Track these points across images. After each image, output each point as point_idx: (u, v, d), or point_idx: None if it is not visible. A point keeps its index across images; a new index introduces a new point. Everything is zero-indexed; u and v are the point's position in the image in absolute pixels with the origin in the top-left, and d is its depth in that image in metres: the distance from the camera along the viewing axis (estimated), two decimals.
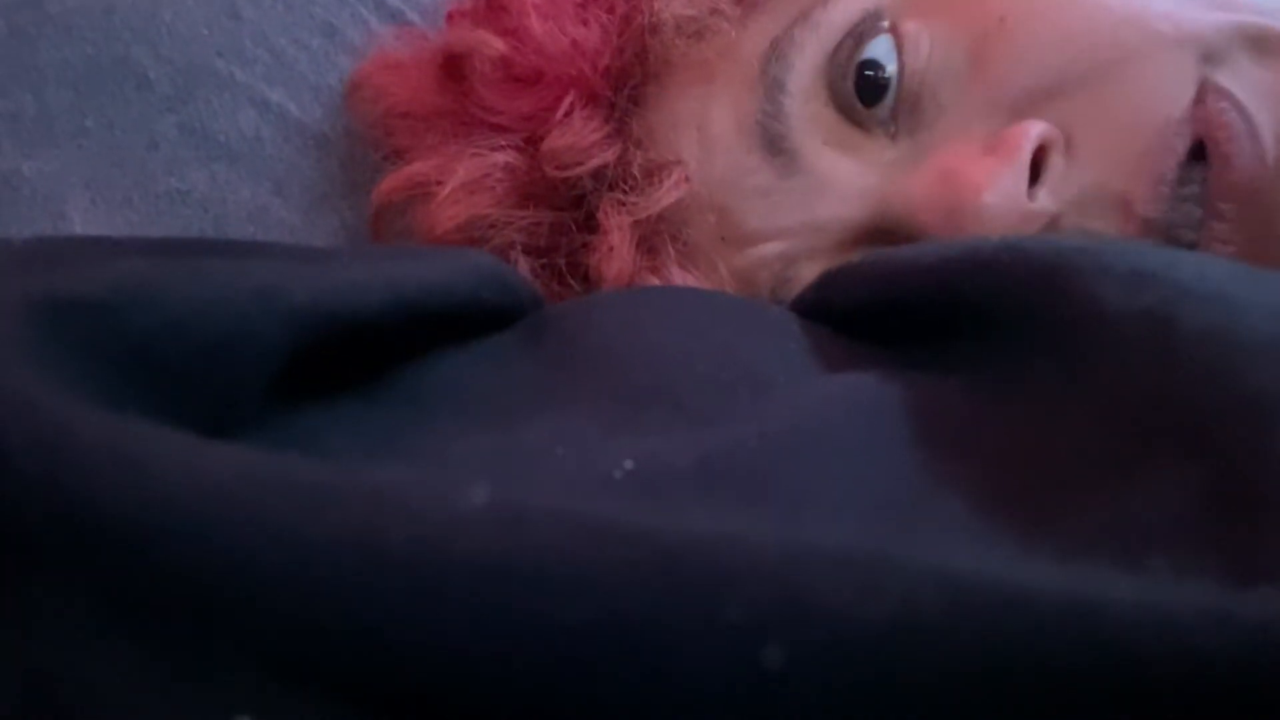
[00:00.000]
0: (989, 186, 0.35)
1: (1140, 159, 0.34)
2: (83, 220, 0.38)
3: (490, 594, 0.12)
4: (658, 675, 0.12)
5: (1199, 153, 0.34)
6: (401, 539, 0.12)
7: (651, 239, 0.42)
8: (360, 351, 0.25)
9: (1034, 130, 0.35)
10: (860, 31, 0.39)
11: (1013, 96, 0.36)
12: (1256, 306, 0.18)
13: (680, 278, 0.42)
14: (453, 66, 0.43)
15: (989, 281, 0.22)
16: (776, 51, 0.40)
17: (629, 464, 0.19)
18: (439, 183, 0.42)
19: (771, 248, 0.40)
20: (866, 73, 0.39)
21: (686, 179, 0.42)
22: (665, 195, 0.42)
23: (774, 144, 0.40)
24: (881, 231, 0.39)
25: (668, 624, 0.12)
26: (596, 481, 0.18)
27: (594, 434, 0.22)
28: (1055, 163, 0.35)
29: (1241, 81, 0.35)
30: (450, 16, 0.46)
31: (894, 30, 0.39)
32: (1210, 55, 0.35)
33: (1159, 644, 0.11)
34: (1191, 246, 0.34)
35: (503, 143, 0.43)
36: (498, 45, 0.42)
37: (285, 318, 0.21)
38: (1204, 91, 0.34)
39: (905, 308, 0.25)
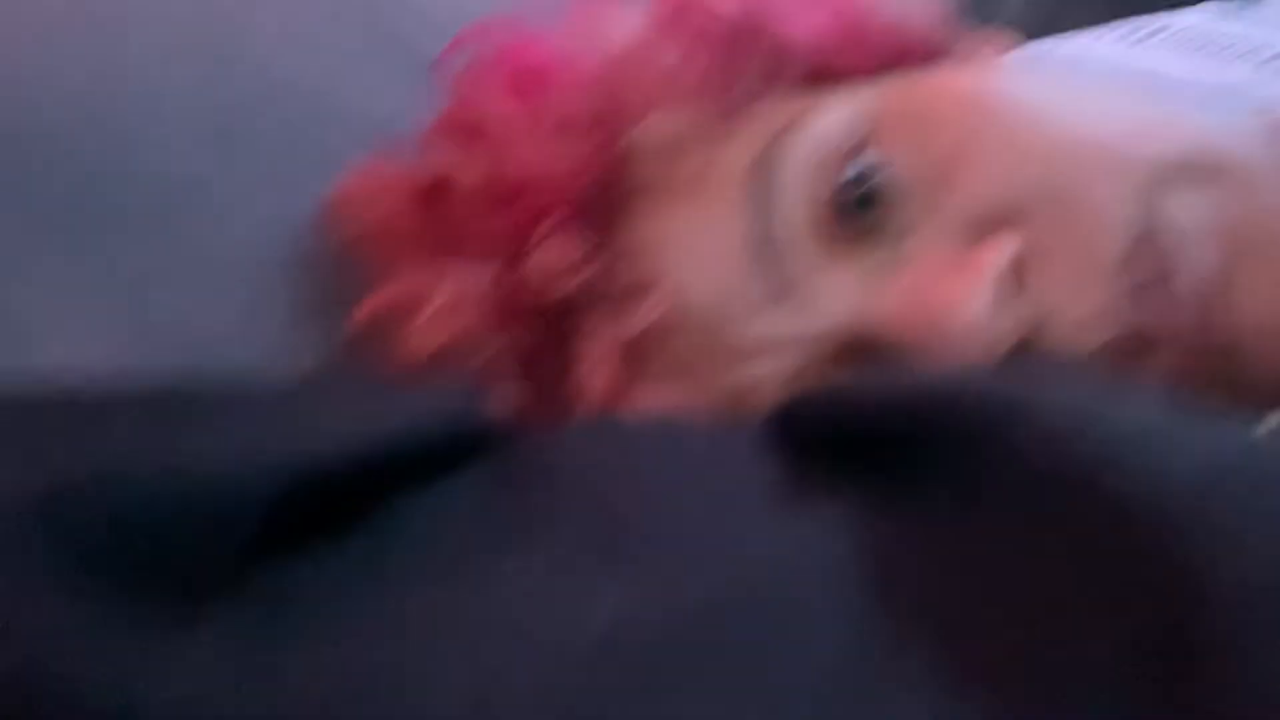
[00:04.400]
0: (960, 304, 0.37)
1: (1095, 279, 0.37)
2: (62, 348, 0.39)
3: None
4: None
5: (1148, 278, 0.37)
6: None
7: (634, 357, 0.44)
8: (329, 499, 0.26)
9: (1002, 249, 0.37)
10: (842, 148, 0.41)
11: (979, 215, 0.39)
12: (1183, 456, 0.19)
13: (664, 396, 0.44)
14: (433, 188, 0.45)
15: (945, 422, 0.24)
16: (760, 172, 0.42)
17: (603, 614, 0.20)
18: (419, 303, 0.44)
19: (759, 365, 0.42)
20: (855, 185, 0.41)
21: (669, 297, 0.43)
22: (647, 314, 0.43)
23: (767, 260, 0.42)
24: (863, 344, 0.40)
25: None
26: (569, 652, 0.19)
27: (548, 578, 0.23)
28: (1020, 282, 0.37)
29: (1183, 210, 0.37)
30: (430, 136, 0.48)
31: (871, 148, 0.41)
32: (1153, 183, 0.38)
33: None
34: (1142, 370, 0.36)
35: (484, 262, 0.44)
36: (478, 167, 0.44)
37: (257, 489, 0.22)
38: (1146, 220, 0.37)
39: (858, 440, 0.27)
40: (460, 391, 0.32)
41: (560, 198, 0.44)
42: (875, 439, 0.28)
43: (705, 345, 0.43)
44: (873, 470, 0.27)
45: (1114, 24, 0.74)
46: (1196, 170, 0.39)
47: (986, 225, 0.39)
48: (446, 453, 0.29)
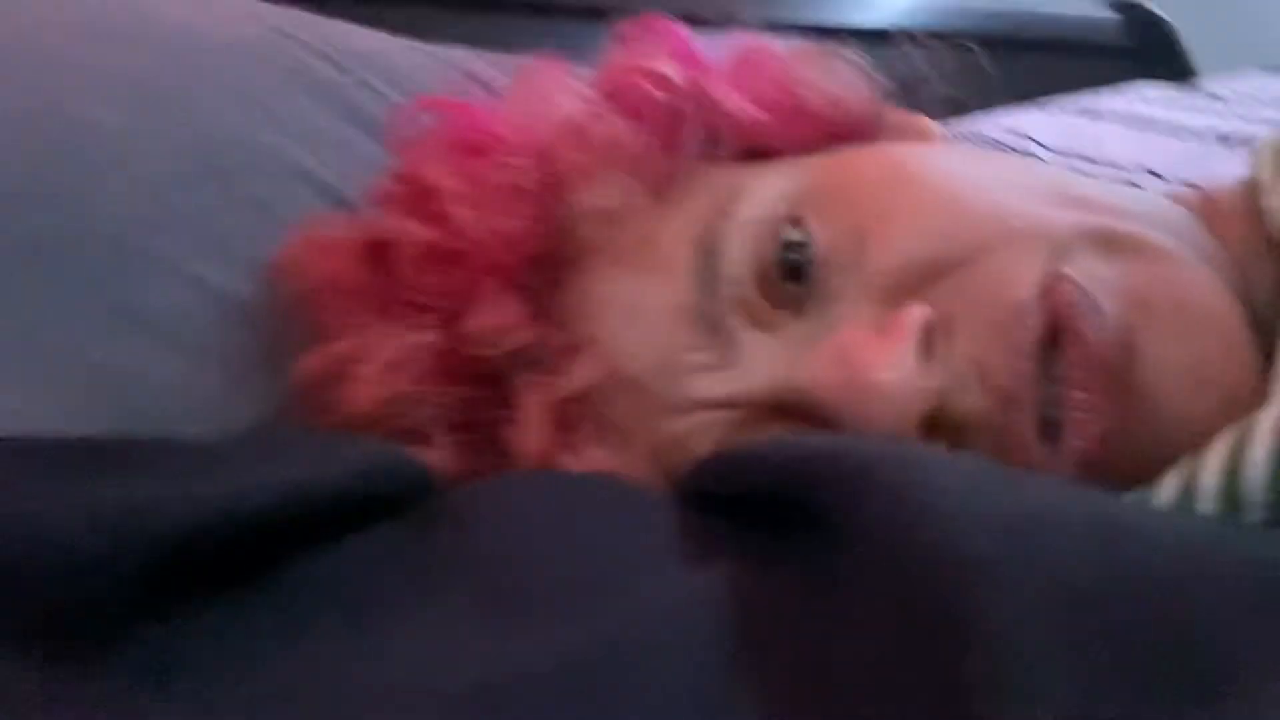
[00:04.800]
0: (880, 366, 0.38)
1: (997, 337, 0.39)
2: (3, 394, 0.40)
3: None
4: None
5: (1057, 337, 0.39)
6: None
7: (568, 417, 0.45)
8: (242, 551, 0.27)
9: (916, 315, 0.39)
10: (779, 221, 0.43)
11: (895, 281, 0.41)
12: (979, 525, 0.21)
13: (596, 456, 0.45)
14: (377, 249, 0.46)
15: (809, 486, 0.26)
16: (703, 246, 0.44)
17: (474, 672, 0.21)
18: (360, 361, 0.45)
19: (694, 419, 0.44)
20: (789, 255, 0.43)
21: (604, 359, 0.45)
22: (582, 375, 0.45)
23: (712, 327, 0.44)
24: (790, 406, 0.42)
25: None
26: (435, 702, 0.20)
27: (447, 629, 0.24)
28: (937, 341, 0.39)
29: (1088, 275, 0.39)
30: (377, 199, 0.50)
31: (800, 222, 0.43)
32: (1059, 250, 0.40)
33: None
34: (1058, 423, 0.38)
35: (424, 323, 0.46)
36: (421, 232, 0.46)
37: (150, 542, 0.23)
38: (1051, 279, 0.39)
39: (756, 497, 0.28)
40: (387, 448, 0.33)
41: (501, 261, 0.46)
42: (766, 498, 0.29)
43: (639, 406, 0.44)
44: (761, 527, 0.29)
45: (1045, 101, 0.77)
46: (1101, 240, 0.41)
47: (901, 291, 0.41)
48: (365, 506, 0.30)
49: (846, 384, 0.40)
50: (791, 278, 0.43)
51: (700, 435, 0.43)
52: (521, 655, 0.23)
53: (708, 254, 0.44)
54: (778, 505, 0.30)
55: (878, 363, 0.39)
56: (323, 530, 0.29)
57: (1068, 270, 0.39)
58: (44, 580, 0.21)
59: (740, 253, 0.44)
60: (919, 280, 0.41)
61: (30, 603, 0.21)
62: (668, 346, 0.44)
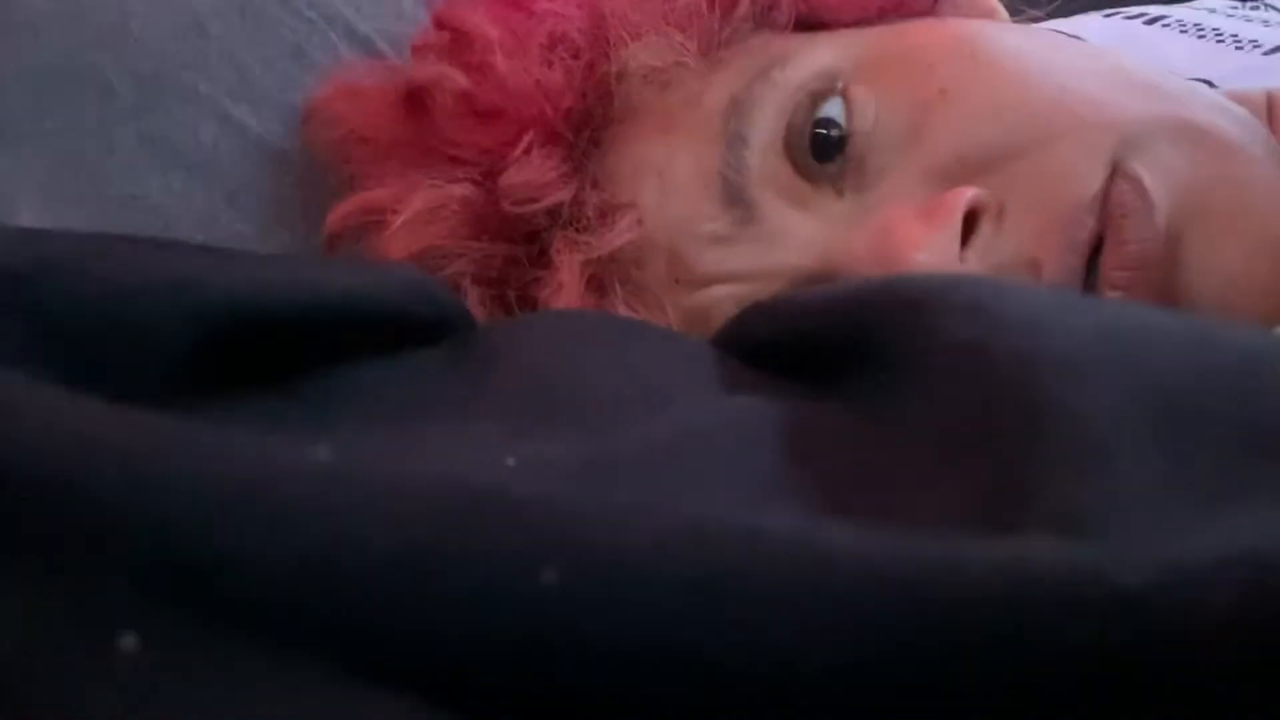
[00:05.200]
0: (922, 247, 0.37)
1: (1054, 232, 0.38)
2: (34, 219, 0.40)
3: (308, 527, 0.14)
4: (449, 594, 0.13)
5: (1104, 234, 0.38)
6: (235, 478, 0.14)
7: (601, 278, 0.44)
8: (281, 352, 0.27)
9: (966, 196, 0.38)
10: (815, 92, 0.42)
11: (948, 164, 0.40)
12: (1061, 329, 0.20)
13: (625, 316, 0.44)
14: (414, 98, 0.45)
15: (866, 317, 0.25)
16: (738, 108, 0.43)
17: (511, 461, 0.21)
18: (394, 211, 0.45)
19: (721, 290, 0.43)
20: (820, 131, 0.42)
21: (640, 222, 0.44)
22: (618, 236, 0.44)
23: (733, 195, 0.42)
24: (824, 281, 0.41)
25: (459, 550, 0.14)
26: (472, 470, 0.20)
27: (492, 438, 0.23)
28: (984, 228, 0.38)
29: (1154, 167, 0.38)
30: (415, 49, 0.49)
31: (845, 93, 0.42)
32: (1128, 141, 0.39)
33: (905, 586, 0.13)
34: None
35: (459, 175, 0.45)
36: (460, 80, 0.45)
37: (195, 310, 0.23)
38: (1115, 174, 0.38)
39: (802, 342, 0.28)
40: (428, 277, 0.32)
41: (541, 116, 0.45)
42: (810, 345, 0.29)
43: (669, 274, 0.44)
44: (805, 373, 0.28)
45: (1116, 9, 0.75)
46: (1172, 129, 0.39)
47: (957, 174, 0.40)
48: (405, 328, 0.30)
49: (884, 265, 0.39)
50: (825, 152, 0.42)
51: (720, 310, 0.42)
52: (558, 451, 0.22)
53: (738, 119, 0.43)
54: (822, 350, 0.29)
55: (919, 244, 0.38)
56: (362, 346, 0.29)
57: (1133, 165, 0.38)
58: (88, 333, 0.21)
59: (773, 120, 0.42)
60: (977, 164, 0.39)
61: (73, 354, 0.20)
62: (691, 214, 0.43)
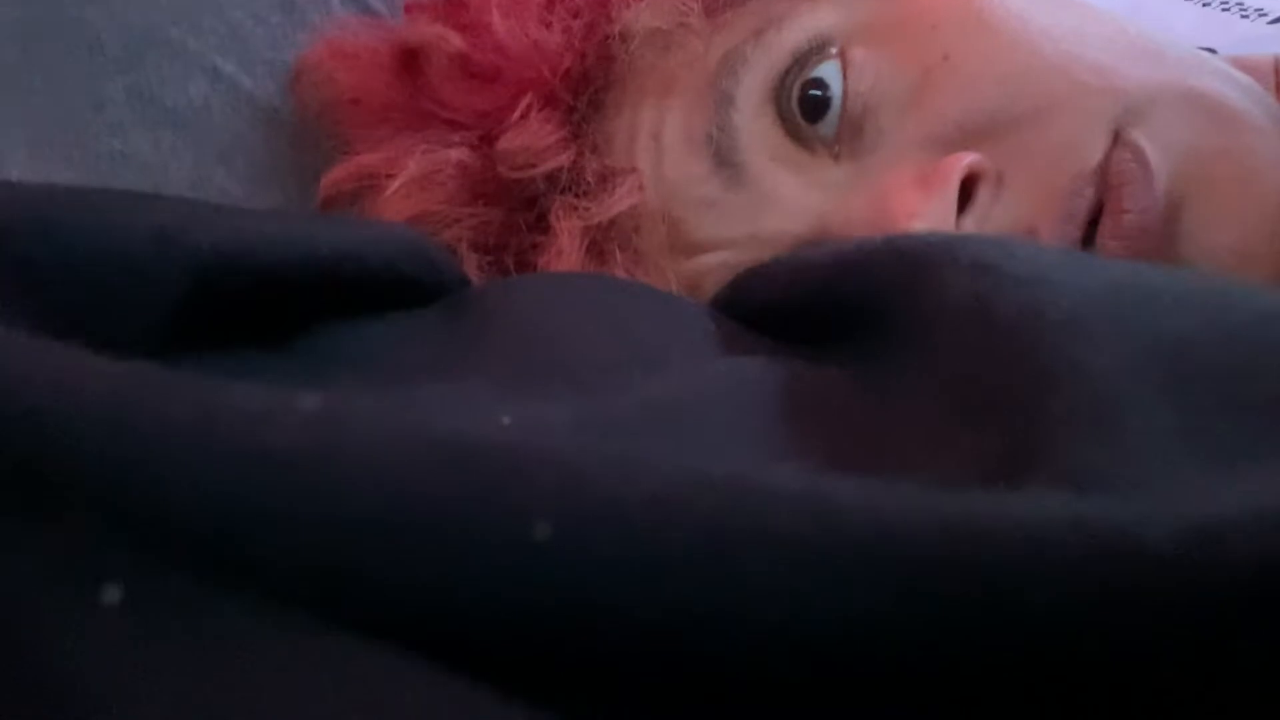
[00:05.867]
0: (918, 213, 0.37)
1: (1053, 201, 0.37)
2: (21, 175, 0.39)
3: (297, 476, 0.13)
4: (440, 547, 0.13)
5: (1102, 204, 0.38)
6: (223, 427, 0.14)
7: (601, 244, 0.44)
8: (270, 308, 0.26)
9: (964, 161, 0.37)
10: (808, 53, 0.41)
11: (949, 130, 0.39)
12: (1068, 286, 0.20)
13: None
14: (408, 59, 0.44)
15: (869, 276, 0.24)
16: (727, 67, 0.42)
17: (505, 419, 0.20)
18: (389, 176, 0.44)
19: (715, 257, 0.42)
20: (811, 92, 0.41)
21: (640, 188, 0.43)
22: (618, 202, 0.43)
23: (722, 157, 0.42)
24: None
25: (452, 502, 0.13)
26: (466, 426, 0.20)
27: (485, 396, 0.23)
28: (983, 195, 0.38)
29: (1156, 136, 0.38)
30: (409, 8, 0.48)
31: (842, 56, 0.41)
32: (1131, 109, 0.38)
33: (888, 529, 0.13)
34: None
35: (456, 139, 0.44)
36: (456, 41, 0.44)
37: (183, 260, 0.22)
38: (1117, 143, 0.38)
39: (801, 304, 0.27)
40: (423, 237, 0.32)
41: (539, 79, 0.44)
42: (807, 306, 0.28)
43: (664, 239, 0.43)
44: (806, 328, 0.28)
45: None
46: (1178, 97, 0.39)
47: (957, 141, 0.39)
48: (399, 287, 0.29)
49: (879, 231, 0.38)
50: (813, 114, 0.41)
51: (712, 278, 0.42)
52: (552, 411, 0.22)
53: (727, 79, 0.42)
54: (821, 311, 0.28)
55: (916, 210, 0.37)
56: (354, 304, 0.28)
57: (1134, 134, 0.38)
58: (71, 285, 0.20)
59: (762, 82, 0.42)
60: (978, 131, 0.39)
61: (55, 307, 0.20)
62: (681, 177, 0.42)
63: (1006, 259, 0.22)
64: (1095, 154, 0.37)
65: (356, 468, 0.13)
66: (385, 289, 0.29)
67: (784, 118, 0.41)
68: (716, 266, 0.42)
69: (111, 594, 0.15)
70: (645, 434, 0.20)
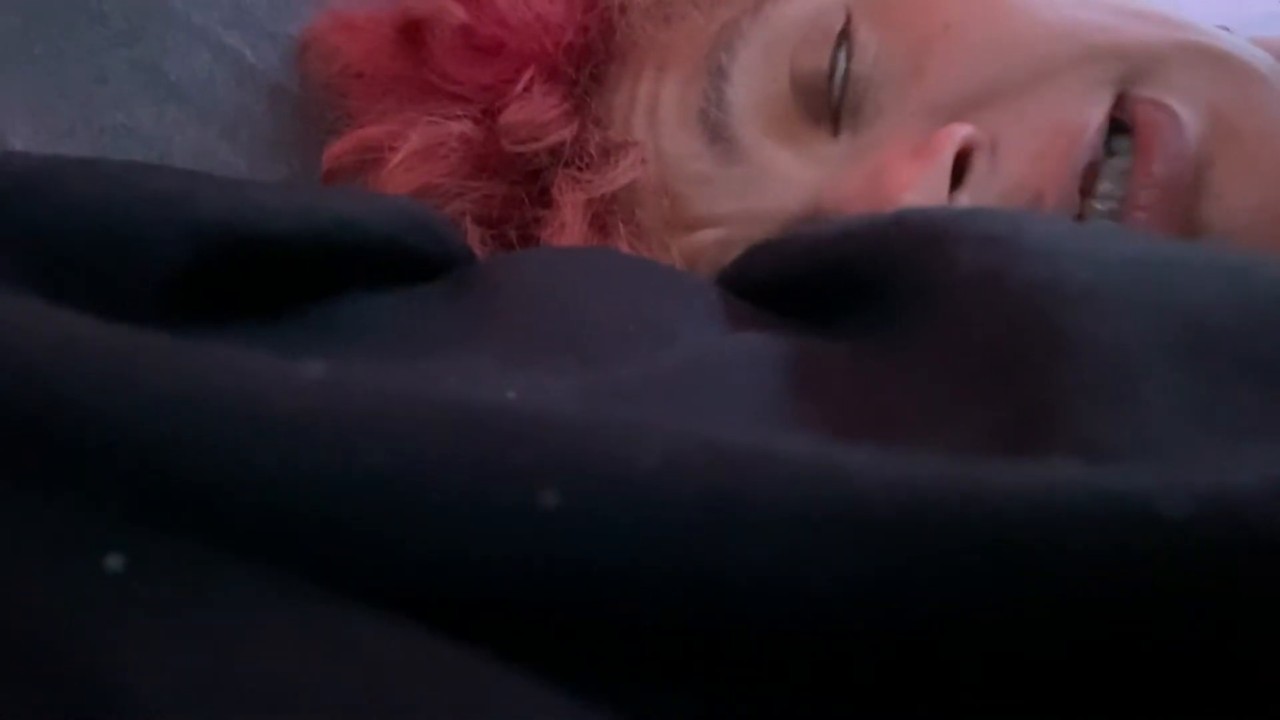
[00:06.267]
0: (911, 186, 0.36)
1: (1056, 161, 0.37)
2: (23, 147, 0.39)
3: (301, 441, 0.13)
4: (444, 514, 0.13)
5: (1121, 152, 0.37)
6: (231, 394, 0.14)
7: (604, 218, 0.43)
8: (274, 282, 0.26)
9: (957, 134, 0.37)
10: (811, 29, 0.41)
11: (947, 101, 0.38)
12: (1081, 259, 0.19)
13: None
14: (411, 31, 0.44)
15: (877, 251, 0.24)
16: (723, 40, 0.42)
17: (511, 393, 0.20)
18: (392, 149, 0.44)
19: (711, 234, 0.42)
20: (814, 67, 0.40)
21: (644, 161, 0.43)
22: (621, 175, 0.43)
23: (715, 131, 0.41)
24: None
25: (456, 468, 0.13)
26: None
27: (490, 369, 0.23)
28: (979, 165, 0.37)
29: (1176, 86, 0.37)
30: None
31: (845, 30, 0.40)
32: (1139, 68, 0.38)
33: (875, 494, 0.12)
34: None
35: (459, 112, 0.44)
36: (459, 13, 0.43)
37: (185, 227, 0.22)
38: (1127, 98, 0.37)
39: (809, 280, 0.27)
40: (419, 207, 0.32)
41: (541, 52, 0.44)
42: (814, 283, 0.28)
43: (664, 213, 0.43)
44: (813, 304, 0.27)
45: None
46: (1195, 53, 0.38)
47: (955, 111, 0.38)
48: (405, 259, 0.29)
49: (874, 206, 0.38)
50: (815, 93, 0.40)
51: (707, 256, 0.41)
52: (559, 383, 0.22)
53: (724, 53, 0.41)
54: (828, 287, 0.28)
55: (909, 183, 0.37)
56: (358, 276, 0.28)
57: (1147, 91, 0.37)
58: (73, 248, 0.20)
59: (766, 57, 0.41)
60: (977, 100, 0.38)
61: (57, 270, 0.19)
62: (676, 152, 0.42)
63: (1019, 231, 0.21)
64: (1097, 113, 0.37)
65: (360, 433, 0.13)
66: (389, 261, 0.28)
67: (782, 93, 0.41)
68: (712, 243, 0.41)
69: (115, 562, 0.15)
70: (652, 404, 0.19)
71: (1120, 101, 0.37)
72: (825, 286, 0.28)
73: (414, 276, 0.30)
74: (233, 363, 0.14)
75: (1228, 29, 0.64)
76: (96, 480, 0.15)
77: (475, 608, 0.13)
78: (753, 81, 0.41)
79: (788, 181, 0.40)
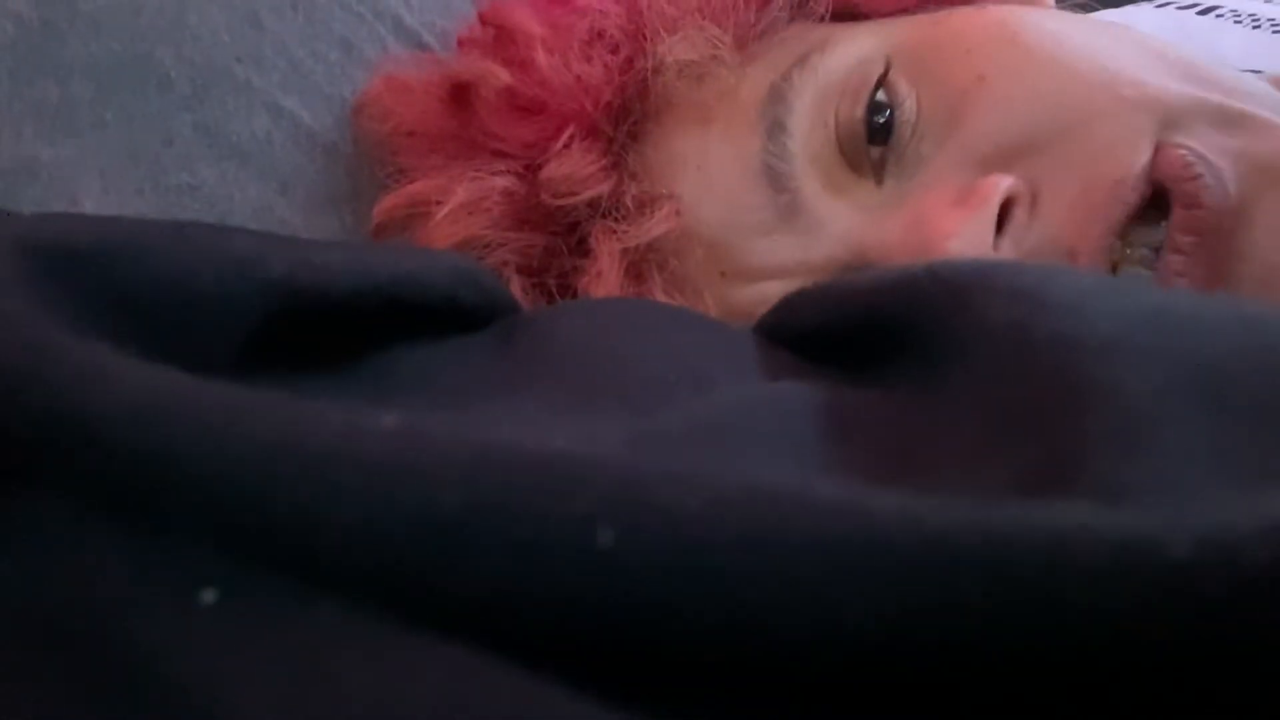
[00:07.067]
0: (956, 235, 0.38)
1: (1092, 213, 0.38)
2: (94, 207, 0.41)
3: (382, 485, 0.15)
4: (513, 552, 0.14)
5: (1159, 205, 0.38)
6: (316, 443, 0.15)
7: (640, 267, 0.45)
8: (333, 334, 0.28)
9: (1002, 184, 0.38)
10: (864, 79, 0.42)
11: (986, 151, 0.40)
12: (1104, 313, 0.20)
13: None
14: (459, 92, 0.46)
15: (909, 302, 0.25)
16: (776, 94, 0.43)
17: (559, 440, 0.21)
18: (438, 202, 0.45)
19: (774, 285, 0.43)
20: (870, 118, 0.42)
21: (678, 213, 0.45)
22: (655, 226, 0.45)
23: (778, 183, 0.43)
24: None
25: (523, 511, 0.14)
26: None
27: (539, 417, 0.24)
28: (1019, 215, 0.38)
29: (1206, 144, 0.38)
30: (461, 43, 0.49)
31: (887, 81, 0.42)
32: (1171, 122, 0.38)
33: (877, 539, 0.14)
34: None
35: (502, 168, 0.46)
36: (504, 76, 0.45)
37: (261, 287, 0.24)
38: (1163, 149, 0.38)
39: (844, 329, 0.28)
40: (468, 261, 0.33)
41: (581, 111, 0.46)
42: (850, 331, 0.29)
43: (711, 264, 0.44)
44: (849, 352, 0.28)
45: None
46: (1219, 115, 0.39)
47: (995, 161, 0.40)
48: (453, 313, 0.31)
49: (918, 254, 0.39)
50: (874, 140, 0.42)
51: (770, 298, 0.43)
52: (604, 429, 0.23)
53: (779, 106, 0.43)
54: (863, 336, 0.29)
55: (953, 232, 0.38)
56: (411, 329, 0.30)
57: (1181, 139, 0.38)
58: (160, 310, 0.21)
59: (816, 108, 0.42)
60: (1016, 150, 0.39)
61: (145, 331, 0.21)
62: (735, 205, 0.43)
63: (1044, 285, 0.22)
64: (1137, 161, 0.37)
65: (435, 478, 0.15)
66: (442, 314, 0.30)
67: (845, 144, 0.42)
68: (771, 296, 0.42)
69: (208, 596, 0.16)
70: (694, 449, 0.21)
71: (1157, 152, 0.38)
72: (859, 336, 0.29)
73: (464, 327, 0.32)
74: (320, 415, 0.16)
75: (1258, 71, 0.65)
76: (192, 520, 0.16)
77: (540, 636, 0.14)
78: (807, 133, 0.42)
79: (840, 230, 0.41)
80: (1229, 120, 0.39)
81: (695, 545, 0.14)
